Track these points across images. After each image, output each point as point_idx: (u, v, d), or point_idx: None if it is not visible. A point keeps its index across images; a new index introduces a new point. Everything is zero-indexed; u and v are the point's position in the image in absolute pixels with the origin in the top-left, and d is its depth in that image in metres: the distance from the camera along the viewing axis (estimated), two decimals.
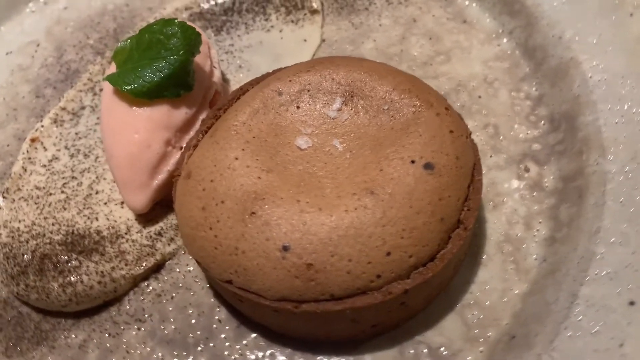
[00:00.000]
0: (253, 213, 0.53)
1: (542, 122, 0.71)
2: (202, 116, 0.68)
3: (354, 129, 0.60)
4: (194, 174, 0.59)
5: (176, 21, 0.65)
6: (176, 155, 0.66)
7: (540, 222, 0.64)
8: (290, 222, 0.53)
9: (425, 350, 0.58)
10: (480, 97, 0.73)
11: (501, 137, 0.70)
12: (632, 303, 0.52)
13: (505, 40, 0.78)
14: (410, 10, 0.82)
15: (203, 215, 0.56)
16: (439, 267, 0.53)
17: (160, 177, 0.65)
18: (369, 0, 0.84)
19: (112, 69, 0.68)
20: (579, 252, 0.57)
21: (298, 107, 0.61)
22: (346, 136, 0.59)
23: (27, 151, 0.73)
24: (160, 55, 0.64)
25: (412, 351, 0.58)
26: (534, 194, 0.66)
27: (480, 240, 0.64)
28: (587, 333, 0.52)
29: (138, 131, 0.64)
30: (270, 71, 0.69)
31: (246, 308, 0.58)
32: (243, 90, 0.67)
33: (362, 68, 0.63)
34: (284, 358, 0.59)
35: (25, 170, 0.72)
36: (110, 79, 0.65)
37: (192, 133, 0.67)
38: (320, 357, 0.58)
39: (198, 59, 0.67)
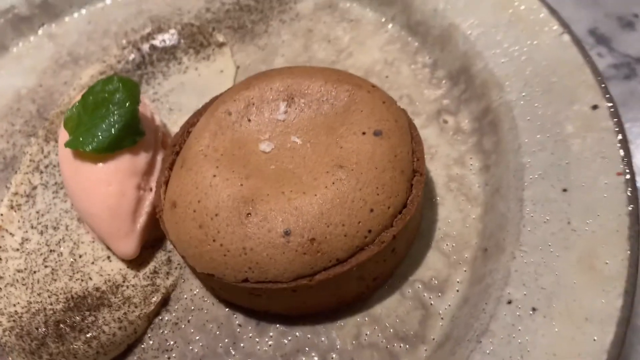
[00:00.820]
0: (249, 214, 0.60)
1: (444, 81, 0.83)
2: (160, 157, 0.74)
3: (305, 124, 0.68)
4: (179, 202, 0.64)
5: (115, 77, 0.71)
6: (149, 197, 0.71)
7: (471, 158, 0.76)
8: (283, 211, 0.60)
9: (420, 286, 0.67)
10: (387, 76, 0.85)
11: (417, 103, 0.82)
12: (565, 190, 0.65)
13: (390, 26, 0.91)
14: (303, 23, 0.93)
15: (203, 232, 0.62)
16: (412, 210, 0.63)
17: (142, 219, 0.70)
18: (265, 24, 0.94)
19: (65, 136, 0.71)
20: (511, 167, 0.70)
21: (249, 120, 0.69)
22: (300, 131, 0.68)
23: None
24: (110, 111, 0.69)
25: (409, 290, 0.67)
26: (458, 137, 0.78)
27: (430, 186, 0.74)
28: (541, 223, 0.64)
29: (110, 183, 0.68)
30: (207, 101, 0.76)
31: (264, 302, 0.64)
32: (191, 123, 0.74)
33: (292, 74, 0.72)
34: (310, 335, 0.65)
35: (0, 259, 0.73)
36: (70, 144, 0.69)
37: (156, 174, 0.73)
38: (339, 322, 0.66)
39: (139, 107, 0.73)
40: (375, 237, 0.61)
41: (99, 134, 0.68)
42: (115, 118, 0.69)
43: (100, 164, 0.69)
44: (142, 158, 0.71)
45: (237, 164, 0.65)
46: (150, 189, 0.72)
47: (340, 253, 0.60)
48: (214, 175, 0.64)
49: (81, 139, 0.69)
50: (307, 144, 0.67)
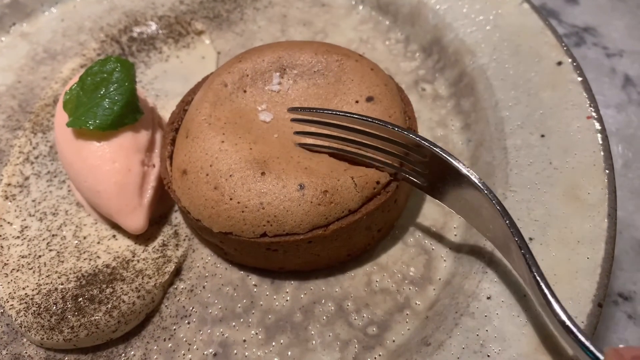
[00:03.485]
0: (263, 173, 0.63)
1: (417, 54, 0.89)
2: (158, 135, 0.76)
3: (299, 95, 0.72)
4: (189, 169, 0.67)
5: (112, 58, 0.73)
6: (152, 172, 0.73)
7: (451, 119, 0.82)
8: (295, 170, 0.64)
9: (420, 234, 0.72)
10: (364, 53, 0.90)
11: (395, 75, 0.87)
12: (542, 135, 0.72)
13: (360, 7, 0.96)
14: (277, 9, 0.97)
15: (219, 193, 0.64)
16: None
17: (148, 194, 0.72)
18: (240, 12, 0.98)
19: (62, 119, 0.72)
20: (491, 122, 0.76)
21: (245, 91, 0.73)
22: (296, 102, 0.72)
23: None
24: (110, 90, 0.71)
25: (411, 239, 0.72)
26: (437, 103, 0.84)
27: None
28: (526, 166, 0.70)
29: (115, 160, 0.69)
30: (200, 81, 0.79)
31: (279, 258, 0.67)
32: (186, 101, 0.76)
33: (281, 46, 0.76)
34: (323, 287, 0.69)
35: (2, 247, 0.73)
36: (72, 124, 0.70)
37: (157, 151, 0.75)
38: (349, 272, 0.70)
39: None
40: (382, 189, 0.66)
41: (102, 112, 0.70)
42: (117, 97, 0.70)
43: (104, 142, 0.70)
44: (144, 135, 0.73)
45: (242, 131, 0.68)
46: (153, 165, 0.73)
47: (352, 204, 0.64)
48: (222, 141, 0.67)
49: (83, 118, 0.69)
50: None
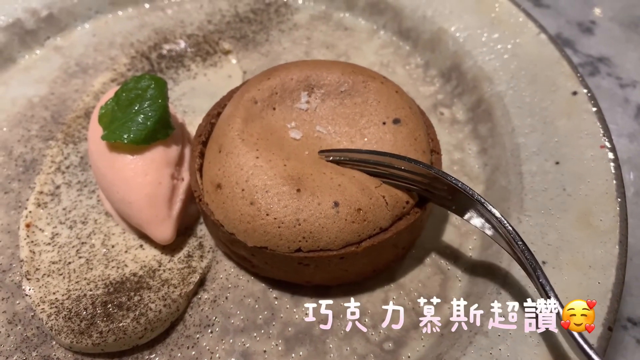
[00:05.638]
0: (298, 190, 0.66)
1: (436, 79, 0.93)
2: (187, 149, 0.79)
3: (326, 114, 0.75)
4: (224, 183, 0.69)
5: (146, 75, 0.76)
6: (181, 186, 0.76)
7: (468, 144, 0.85)
8: (329, 187, 0.66)
9: (437, 254, 0.75)
10: (384, 77, 0.93)
11: (414, 99, 0.90)
12: (557, 163, 0.74)
13: (382, 32, 1.00)
14: (301, 32, 1.01)
15: (255, 208, 0.66)
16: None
17: (177, 206, 0.75)
18: (266, 34, 1.01)
19: (96, 132, 0.76)
20: (507, 147, 0.79)
21: (274, 109, 0.76)
22: (324, 120, 0.75)
23: (28, 236, 0.77)
24: (144, 106, 0.74)
25: (428, 259, 0.74)
26: (455, 127, 0.87)
27: None
28: (540, 191, 0.73)
29: (147, 173, 0.73)
30: (225, 95, 0.82)
31: (310, 272, 0.69)
32: (212, 115, 0.79)
33: (309, 65, 0.79)
34: (342, 302, 0.71)
35: (34, 252, 0.76)
36: (107, 137, 0.73)
37: (186, 165, 0.78)
38: (367, 289, 0.72)
39: None
40: (411, 209, 0.68)
41: (135, 127, 0.73)
42: (151, 113, 0.74)
43: (137, 156, 0.73)
44: (174, 150, 0.76)
45: (274, 148, 0.71)
46: (182, 179, 0.76)
47: (383, 222, 0.67)
48: (257, 157, 0.69)
49: (118, 132, 0.73)
50: (332, 134, 0.73)
